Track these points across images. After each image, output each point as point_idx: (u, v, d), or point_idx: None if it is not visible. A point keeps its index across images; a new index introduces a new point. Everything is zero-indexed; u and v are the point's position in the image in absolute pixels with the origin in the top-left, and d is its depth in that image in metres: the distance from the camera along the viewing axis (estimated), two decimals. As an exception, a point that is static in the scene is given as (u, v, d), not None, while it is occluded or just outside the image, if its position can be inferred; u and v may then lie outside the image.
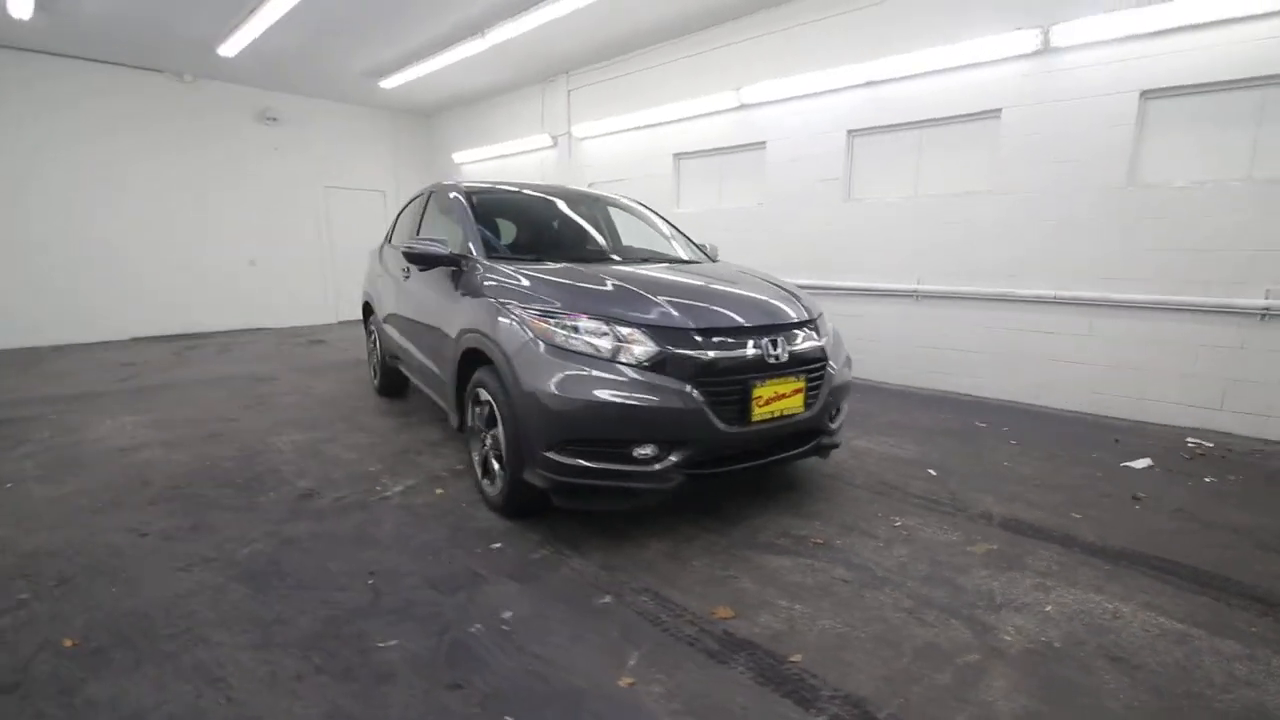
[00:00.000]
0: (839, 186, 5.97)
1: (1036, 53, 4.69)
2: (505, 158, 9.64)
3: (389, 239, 5.10)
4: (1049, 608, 2.21)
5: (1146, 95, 4.32)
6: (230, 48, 7.08)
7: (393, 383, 5.11)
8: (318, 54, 7.68)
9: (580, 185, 7.39)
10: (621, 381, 2.40)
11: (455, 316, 3.16)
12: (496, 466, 2.86)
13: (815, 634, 2.06)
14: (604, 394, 2.38)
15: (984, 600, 2.26)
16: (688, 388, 2.43)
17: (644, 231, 4.22)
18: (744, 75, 6.36)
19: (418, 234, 4.21)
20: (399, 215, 5.11)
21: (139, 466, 3.56)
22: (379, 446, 3.95)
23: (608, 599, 2.26)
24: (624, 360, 2.44)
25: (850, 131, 5.82)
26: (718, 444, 2.52)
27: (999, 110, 4.96)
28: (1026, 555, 2.59)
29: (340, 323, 10.24)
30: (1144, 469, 3.60)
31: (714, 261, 3.91)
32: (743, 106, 6.50)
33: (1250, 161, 4.03)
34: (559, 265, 3.14)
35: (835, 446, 3.05)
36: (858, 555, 2.59)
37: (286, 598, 2.24)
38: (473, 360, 3.02)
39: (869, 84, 5.59)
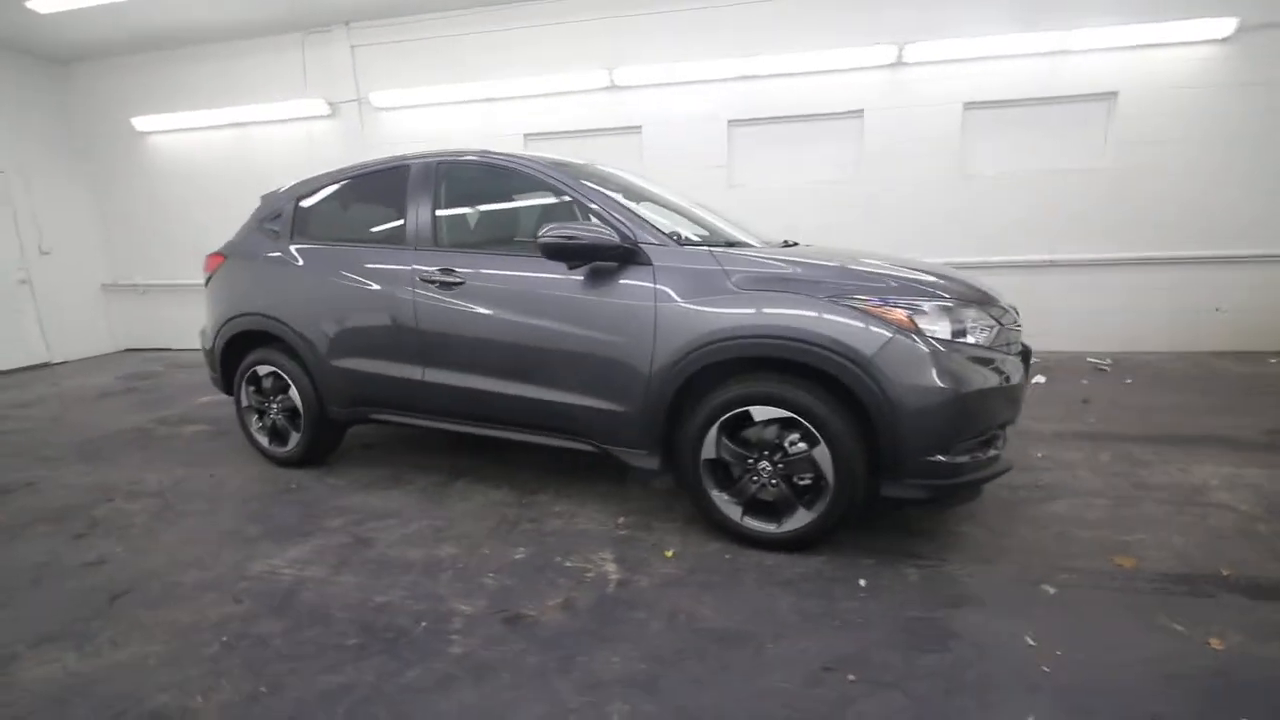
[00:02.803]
0: (723, 174, 6.28)
1: (892, 65, 5.74)
2: (241, 126, 7.17)
3: (291, 235, 3.44)
4: (1214, 482, 2.97)
5: (968, 106, 5.74)
6: None
7: (328, 442, 3.53)
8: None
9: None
10: (994, 363, 2.28)
11: (663, 325, 2.42)
12: (790, 494, 2.36)
13: (1192, 549, 2.37)
14: (991, 380, 2.23)
15: (1189, 489, 2.89)
16: (1019, 361, 2.44)
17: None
18: (617, 55, 6.09)
19: (433, 222, 3.00)
20: (298, 205, 3.50)
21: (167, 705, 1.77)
22: (450, 529, 2.75)
23: (1050, 589, 2.16)
24: (982, 342, 2.29)
25: (731, 121, 6.16)
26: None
27: (862, 111, 5.92)
28: (1131, 453, 3.36)
29: (-50, 384, 6.24)
30: (1046, 383, 4.92)
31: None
32: (615, 88, 6.23)
33: (1034, 157, 5.75)
34: (784, 249, 2.71)
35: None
36: (1071, 486, 2.98)
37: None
38: (705, 378, 2.40)
39: (748, 78, 5.99)
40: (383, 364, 3.10)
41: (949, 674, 1.76)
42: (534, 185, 2.88)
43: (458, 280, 2.85)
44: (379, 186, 3.27)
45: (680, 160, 6.29)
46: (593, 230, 2.46)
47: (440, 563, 2.47)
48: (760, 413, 2.33)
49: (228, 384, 3.69)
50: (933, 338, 2.19)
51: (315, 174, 3.58)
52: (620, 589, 2.25)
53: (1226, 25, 5.06)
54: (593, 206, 2.69)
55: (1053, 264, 5.79)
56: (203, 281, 3.77)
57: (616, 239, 2.47)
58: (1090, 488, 2.96)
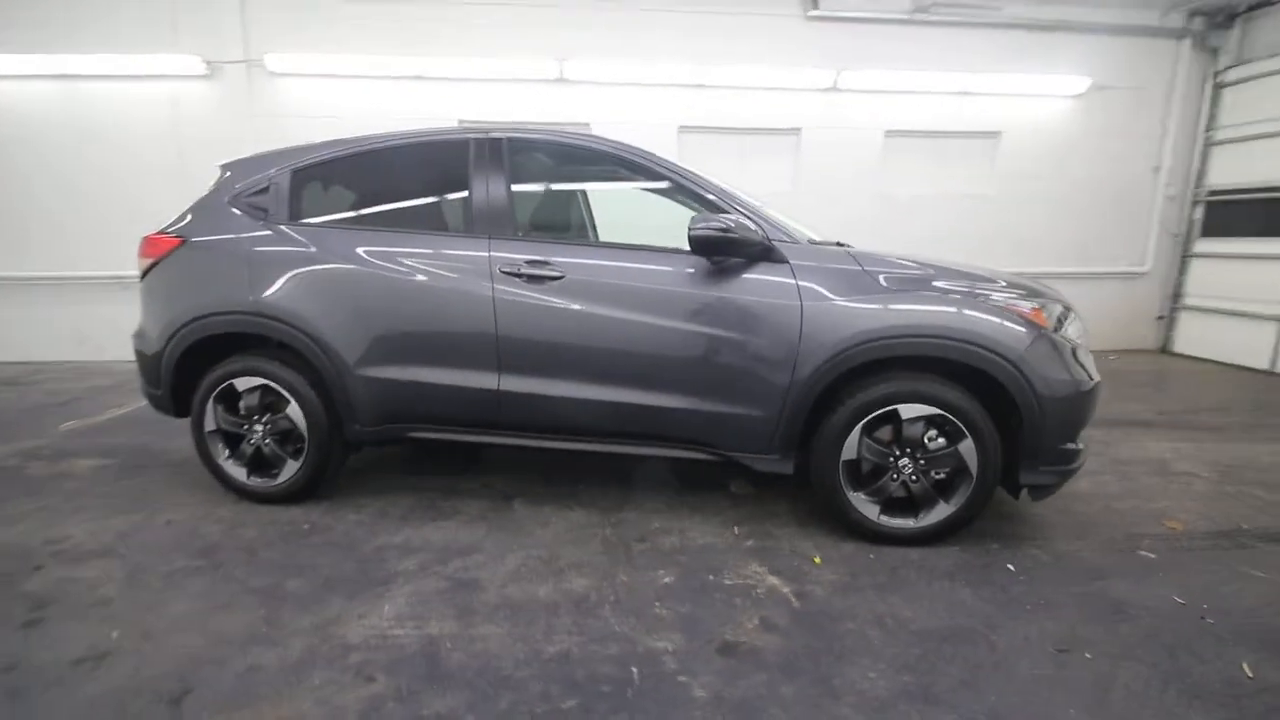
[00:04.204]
0: (670, 178, 6.28)
1: (828, 90, 6.20)
2: (75, 79, 5.62)
3: (289, 213, 2.78)
4: (1168, 455, 3.62)
5: (889, 133, 6.40)
6: None
7: (333, 470, 2.90)
8: None
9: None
10: (1089, 356, 2.55)
11: (812, 324, 2.36)
12: (931, 490, 2.42)
13: (1207, 510, 2.86)
14: (1094, 372, 2.50)
15: (1157, 462, 3.50)
16: (1088, 356, 2.76)
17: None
18: (569, 47, 5.83)
19: (509, 205, 2.63)
20: (296, 176, 2.84)
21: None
22: (558, 559, 2.41)
23: (1150, 555, 2.47)
24: (1080, 338, 2.56)
25: (681, 128, 6.21)
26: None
27: (800, 129, 6.32)
28: (1116, 435, 3.96)
29: None
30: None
31: None
32: (564, 80, 5.95)
33: (939, 183, 6.56)
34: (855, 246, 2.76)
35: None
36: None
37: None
38: (846, 379, 2.40)
39: (699, 87, 6.09)
40: (442, 371, 2.62)
41: (1154, 639, 1.94)
42: (635, 170, 2.66)
43: (554, 274, 2.51)
44: (423, 160, 2.78)
45: (629, 162, 6.19)
46: (744, 224, 2.33)
47: (585, 598, 2.15)
48: (908, 411, 2.37)
49: (180, 404, 2.87)
50: (1059, 334, 2.40)
51: (310, 142, 2.93)
52: (804, 602, 2.14)
53: (1081, 83, 6.23)
54: (710, 198, 2.56)
55: (953, 276, 6.65)
56: (139, 272, 2.89)
57: (761, 235, 2.37)
58: (1089, 466, 3.42)
